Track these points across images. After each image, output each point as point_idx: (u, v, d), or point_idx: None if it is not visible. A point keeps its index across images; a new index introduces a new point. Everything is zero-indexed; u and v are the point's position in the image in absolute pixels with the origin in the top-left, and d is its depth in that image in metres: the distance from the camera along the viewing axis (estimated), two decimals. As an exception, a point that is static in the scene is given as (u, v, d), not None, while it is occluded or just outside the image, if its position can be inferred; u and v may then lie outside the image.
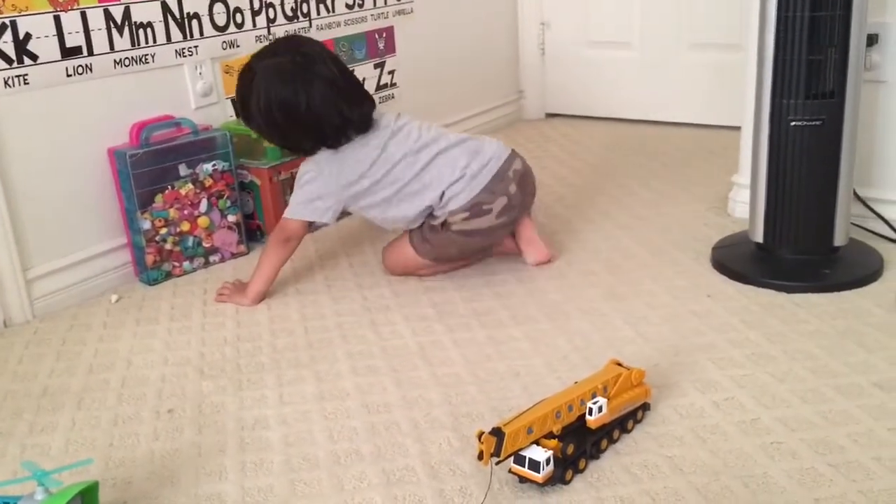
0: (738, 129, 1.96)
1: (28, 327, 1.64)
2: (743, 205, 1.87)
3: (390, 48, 2.50)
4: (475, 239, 1.70)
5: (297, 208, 1.68)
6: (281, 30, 2.12)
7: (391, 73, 2.52)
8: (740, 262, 1.69)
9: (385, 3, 2.43)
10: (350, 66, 2.36)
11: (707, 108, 2.75)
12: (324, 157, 1.67)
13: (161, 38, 1.84)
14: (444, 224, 1.68)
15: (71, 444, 1.25)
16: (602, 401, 1.12)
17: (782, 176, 1.60)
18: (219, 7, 1.95)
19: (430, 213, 1.69)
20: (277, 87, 1.59)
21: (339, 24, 2.30)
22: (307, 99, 1.58)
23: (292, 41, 1.74)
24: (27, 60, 1.61)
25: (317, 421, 1.26)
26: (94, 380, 1.42)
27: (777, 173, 1.60)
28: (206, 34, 1.94)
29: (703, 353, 1.38)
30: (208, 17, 1.93)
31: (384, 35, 2.46)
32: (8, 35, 1.57)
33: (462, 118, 2.79)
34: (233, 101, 1.93)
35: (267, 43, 2.06)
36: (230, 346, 1.52)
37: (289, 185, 1.99)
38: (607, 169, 2.42)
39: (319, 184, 1.67)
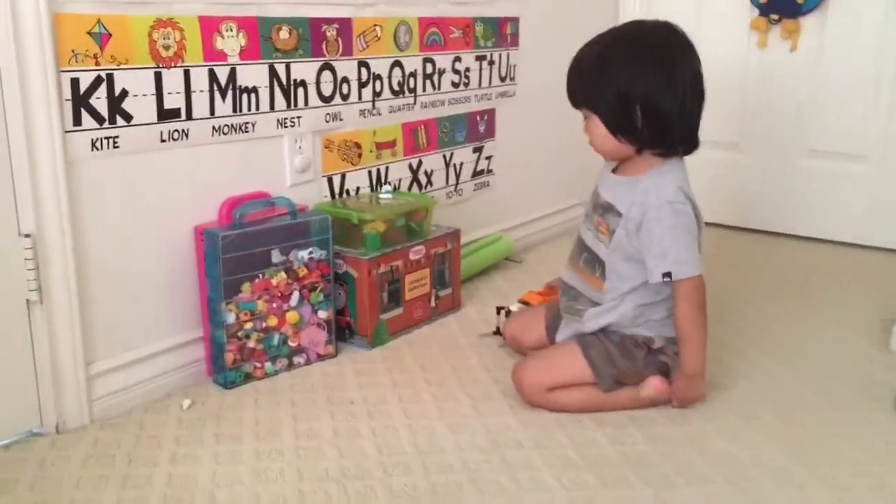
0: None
1: (86, 435, 1.36)
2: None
3: (490, 132, 2.28)
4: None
5: (695, 259, 1.41)
6: (386, 104, 1.90)
7: (488, 158, 2.29)
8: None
9: (490, 83, 2.22)
10: (450, 150, 2.16)
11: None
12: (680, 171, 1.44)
13: (265, 105, 1.61)
14: (652, 349, 1.46)
15: None
16: None
17: None
18: (326, 75, 1.73)
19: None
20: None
21: (442, 104, 2.08)
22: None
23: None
24: (120, 121, 1.38)
25: None
26: (170, 519, 1.14)
27: None
28: (310, 104, 1.71)
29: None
30: (315, 86, 1.71)
31: (485, 118, 2.24)
32: (102, 90, 1.34)
33: (559, 209, 2.56)
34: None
35: (370, 117, 1.85)
36: (335, 484, 1.23)
37: (387, 279, 1.73)
38: (740, 286, 2.16)
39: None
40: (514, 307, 1.73)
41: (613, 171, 1.50)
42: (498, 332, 1.73)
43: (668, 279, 1.39)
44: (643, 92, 1.36)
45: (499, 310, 1.75)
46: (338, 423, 1.41)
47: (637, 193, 1.41)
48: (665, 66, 1.37)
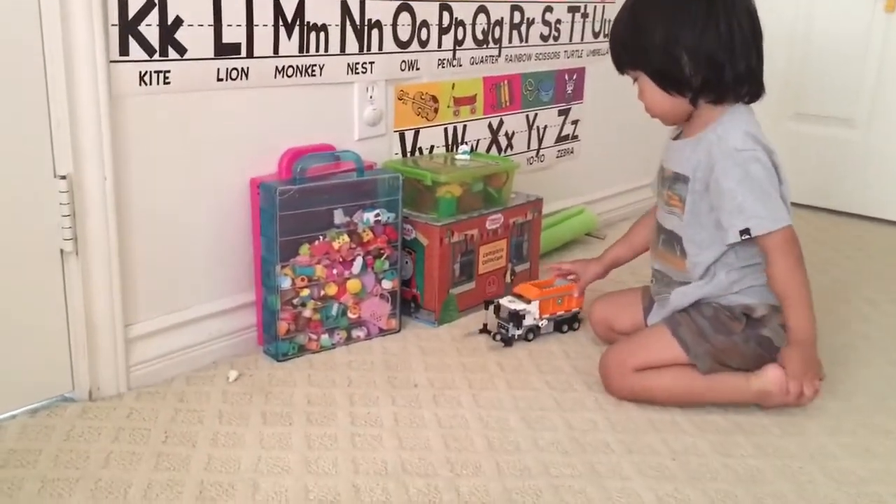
0: None
1: (121, 405, 1.22)
2: None
3: (578, 94, 2.07)
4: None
5: (779, 209, 1.22)
6: (467, 55, 1.71)
7: (575, 123, 2.08)
8: None
9: (581, 38, 2.01)
10: (534, 110, 1.96)
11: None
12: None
13: (335, 46, 1.44)
14: (752, 319, 1.26)
15: None
16: None
17: None
18: (404, 17, 1.55)
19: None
20: None
21: (529, 58, 1.87)
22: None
23: None
24: (172, 53, 1.21)
25: None
26: (205, 510, 0.99)
27: None
28: (385, 48, 1.53)
29: None
30: (391, 28, 1.53)
31: (574, 77, 2.03)
32: (154, 16, 1.18)
33: (646, 184, 2.33)
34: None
35: (450, 68, 1.66)
36: (393, 480, 1.06)
37: (460, 249, 1.55)
38: (840, 274, 1.93)
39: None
40: (505, 301, 1.49)
41: (676, 138, 1.34)
42: (485, 329, 1.51)
43: (748, 236, 1.21)
44: (683, 34, 1.21)
45: (486, 304, 1.51)
46: (399, 409, 1.24)
47: (700, 151, 1.26)
48: (703, 3, 1.21)
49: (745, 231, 1.21)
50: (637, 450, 1.17)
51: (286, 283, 1.36)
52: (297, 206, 1.34)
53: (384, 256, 1.47)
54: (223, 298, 1.39)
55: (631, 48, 1.28)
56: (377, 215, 1.45)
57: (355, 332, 1.47)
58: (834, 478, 1.12)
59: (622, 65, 1.31)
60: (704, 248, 1.27)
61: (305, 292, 1.39)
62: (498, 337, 1.46)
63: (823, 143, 2.41)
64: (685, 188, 1.28)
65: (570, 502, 1.04)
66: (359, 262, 1.43)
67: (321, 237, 1.39)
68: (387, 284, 1.48)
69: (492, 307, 1.49)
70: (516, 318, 1.46)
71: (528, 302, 1.47)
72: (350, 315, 1.45)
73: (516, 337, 1.47)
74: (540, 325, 1.49)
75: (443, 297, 1.55)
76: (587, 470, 1.11)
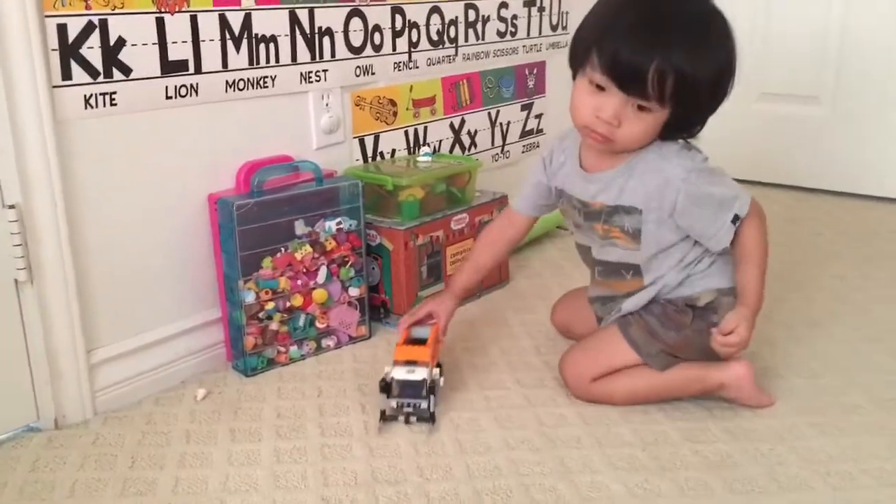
0: None
1: (87, 431, 1.21)
2: None
3: (540, 87, 2.07)
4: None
5: (739, 186, 1.20)
6: (423, 56, 1.71)
7: (538, 117, 2.08)
8: None
9: (539, 32, 2.01)
10: (496, 107, 1.96)
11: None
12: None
13: (285, 56, 1.43)
14: (699, 308, 1.22)
15: None
16: None
17: None
18: (356, 23, 1.54)
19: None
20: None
21: (487, 55, 1.87)
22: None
23: None
24: (117, 74, 1.20)
25: None
26: (172, 533, 0.98)
27: None
28: (338, 55, 1.52)
29: None
30: (343, 35, 1.52)
31: (535, 71, 2.03)
32: (95, 38, 1.17)
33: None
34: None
35: (406, 70, 1.65)
36: (363, 491, 1.06)
37: (426, 251, 1.55)
38: (810, 252, 1.93)
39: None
40: (399, 374, 1.20)
41: (583, 166, 1.26)
42: (388, 416, 1.21)
43: (737, 222, 1.18)
44: (732, 71, 1.13)
45: (383, 387, 1.21)
46: (369, 417, 1.23)
47: (647, 179, 1.18)
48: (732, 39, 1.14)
49: (735, 218, 1.17)
50: (608, 442, 1.16)
51: (250, 298, 1.35)
52: (256, 220, 1.33)
53: (349, 264, 1.46)
54: (188, 317, 1.38)
55: (692, 82, 1.09)
56: (339, 223, 1.44)
57: (325, 342, 1.46)
58: (804, 458, 1.12)
59: (645, 92, 1.09)
60: (673, 255, 1.23)
61: (271, 305, 1.38)
62: (414, 419, 1.20)
63: (790, 121, 2.42)
64: (634, 219, 1.21)
65: (539, 500, 1.04)
66: (323, 272, 1.43)
67: (283, 249, 1.38)
68: (354, 292, 1.48)
69: (389, 383, 1.20)
70: (431, 387, 1.21)
71: (426, 364, 1.21)
72: (318, 325, 1.44)
73: (431, 407, 1.20)
74: (441, 382, 1.26)
75: (411, 300, 1.54)
76: (557, 466, 1.11)
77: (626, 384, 1.24)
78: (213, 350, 1.41)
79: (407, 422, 1.20)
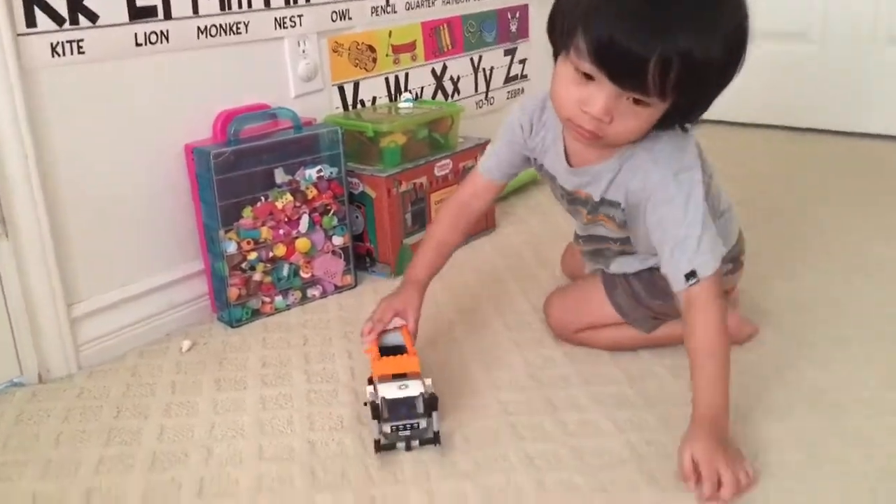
0: None
1: (71, 385, 1.20)
2: None
3: (523, 32, 2.03)
4: None
5: (718, 246, 1.03)
6: (401, 1, 1.67)
7: (522, 62, 2.05)
8: None
9: (521, -26, 1.97)
10: (478, 52, 1.92)
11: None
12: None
13: (258, 1, 1.39)
14: None
15: None
16: None
17: None
18: (331, -34, 1.51)
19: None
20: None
21: (467, -1, 1.84)
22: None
23: None
24: (83, 21, 1.17)
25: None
26: (157, 480, 0.97)
27: None
28: (313, 0, 1.49)
29: None
30: (317, -22, 1.49)
31: (517, 15, 2.00)
32: (59, -17, 1.14)
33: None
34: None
35: (384, 15, 1.62)
36: (349, 433, 1.05)
37: (410, 198, 1.53)
38: (802, 190, 1.92)
39: None
40: (389, 391, 0.99)
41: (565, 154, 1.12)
42: (382, 445, 1.00)
43: (694, 280, 0.98)
44: (742, 52, 0.94)
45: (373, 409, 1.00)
46: (355, 363, 1.23)
47: (634, 178, 1.05)
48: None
49: (692, 274, 0.98)
50: (594, 381, 1.16)
51: (232, 248, 1.34)
52: (235, 169, 1.31)
53: (332, 212, 1.44)
54: (170, 269, 1.36)
55: (700, 68, 0.89)
56: (319, 171, 1.42)
57: (310, 292, 1.45)
58: (794, 388, 1.11)
59: (653, 88, 0.89)
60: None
61: (253, 255, 1.36)
62: (416, 442, 1.00)
63: (780, 60, 2.38)
64: (621, 212, 1.10)
65: (527, 437, 1.03)
66: (305, 220, 1.41)
67: (263, 198, 1.36)
68: (338, 240, 1.46)
69: (378, 406, 0.99)
70: (429, 402, 0.99)
71: (417, 375, 1.02)
72: (303, 275, 1.43)
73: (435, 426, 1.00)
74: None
75: (396, 248, 1.53)
76: (544, 405, 1.10)
77: (611, 339, 1.23)
78: (199, 302, 1.40)
79: (408, 448, 1.00)
